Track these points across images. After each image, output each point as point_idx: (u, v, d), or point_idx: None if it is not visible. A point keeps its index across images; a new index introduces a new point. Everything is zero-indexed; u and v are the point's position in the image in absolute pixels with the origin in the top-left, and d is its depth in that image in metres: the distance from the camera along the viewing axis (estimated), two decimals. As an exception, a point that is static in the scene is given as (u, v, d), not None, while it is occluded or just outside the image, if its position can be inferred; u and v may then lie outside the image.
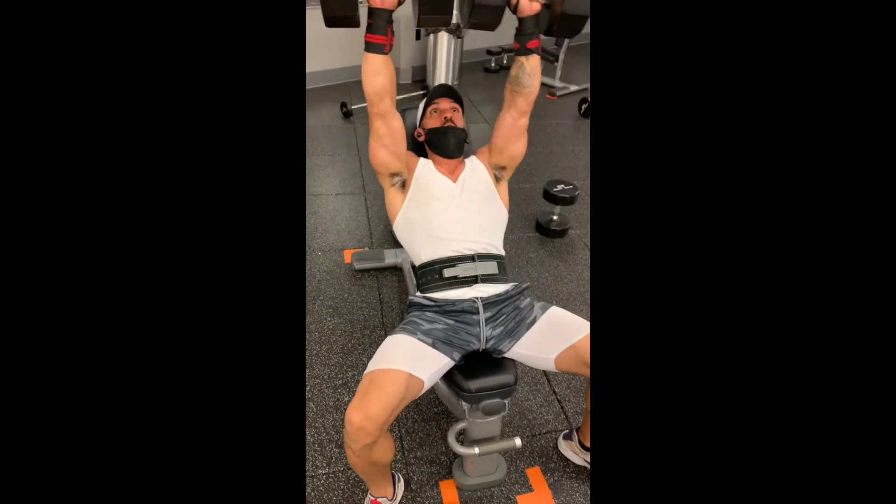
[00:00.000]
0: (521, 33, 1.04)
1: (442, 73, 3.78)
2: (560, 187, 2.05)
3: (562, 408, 1.39)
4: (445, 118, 1.19)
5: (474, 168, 1.20)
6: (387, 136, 1.07)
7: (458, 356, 1.03)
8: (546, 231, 2.13)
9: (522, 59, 1.06)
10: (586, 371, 1.02)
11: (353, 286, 1.77)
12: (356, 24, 0.91)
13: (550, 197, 2.03)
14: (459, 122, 1.22)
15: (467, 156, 1.24)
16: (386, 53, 0.96)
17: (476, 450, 1.03)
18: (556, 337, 1.04)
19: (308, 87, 3.67)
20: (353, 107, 3.31)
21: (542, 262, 1.98)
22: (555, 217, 2.13)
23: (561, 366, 1.04)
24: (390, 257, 1.85)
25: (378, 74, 0.98)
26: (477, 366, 1.05)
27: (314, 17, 1.20)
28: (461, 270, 1.07)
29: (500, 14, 0.98)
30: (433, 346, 0.99)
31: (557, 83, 3.82)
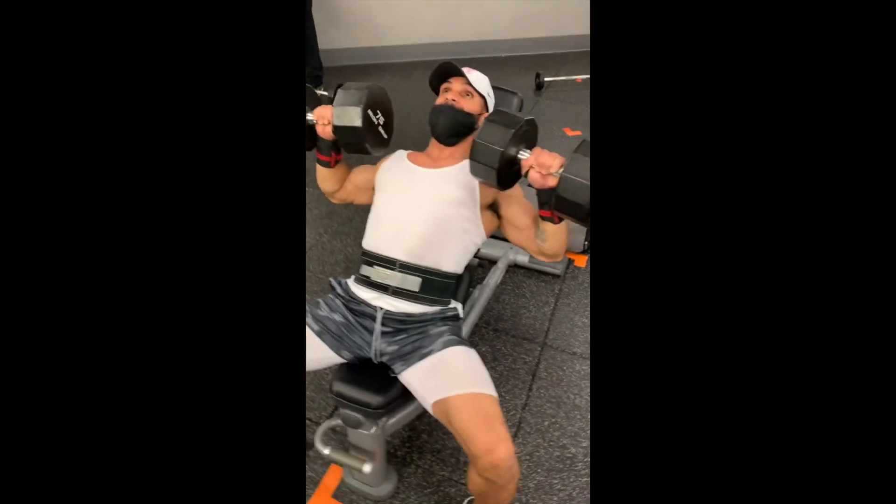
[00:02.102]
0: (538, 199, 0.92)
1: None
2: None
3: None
4: (449, 99, 1.05)
5: (465, 175, 0.96)
6: (354, 192, 1.17)
7: (347, 356, 0.99)
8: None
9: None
10: (453, 431, 0.85)
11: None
12: (366, 151, 1.01)
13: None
14: (471, 107, 1.06)
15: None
16: (331, 167, 1.10)
17: (326, 450, 0.99)
18: (437, 382, 0.89)
19: (503, 54, 3.64)
20: (545, 79, 3.17)
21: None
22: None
23: (437, 415, 0.89)
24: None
25: (325, 181, 1.15)
26: (366, 372, 0.98)
27: None
28: (374, 274, 0.98)
29: (493, 175, 0.87)
30: (318, 334, 0.97)
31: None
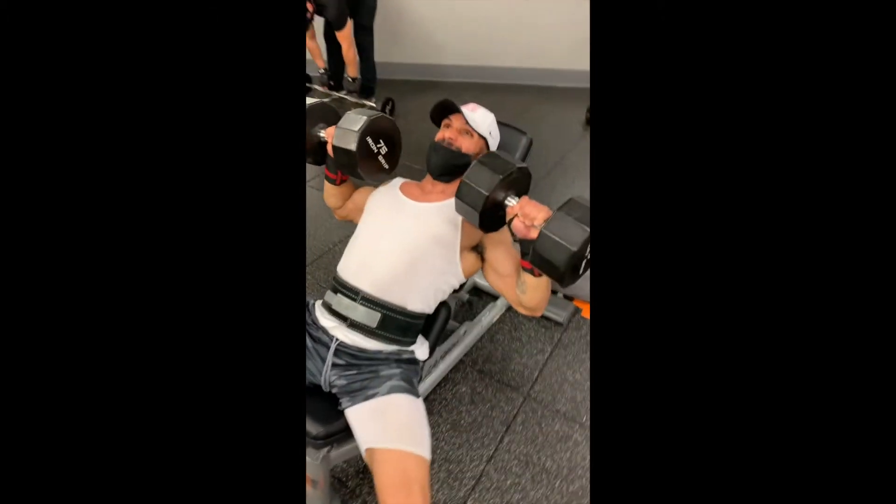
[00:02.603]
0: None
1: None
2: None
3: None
4: (447, 137, 1.03)
5: (451, 212, 0.92)
6: (354, 211, 1.17)
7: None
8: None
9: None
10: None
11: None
12: (359, 176, 1.05)
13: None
14: (468, 147, 1.03)
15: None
16: (336, 185, 1.14)
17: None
18: (372, 428, 0.85)
19: (557, 84, 3.57)
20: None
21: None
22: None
23: (368, 462, 0.86)
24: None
25: (331, 196, 1.18)
26: (316, 398, 0.96)
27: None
28: (336, 302, 0.96)
29: (476, 218, 0.86)
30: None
31: None
